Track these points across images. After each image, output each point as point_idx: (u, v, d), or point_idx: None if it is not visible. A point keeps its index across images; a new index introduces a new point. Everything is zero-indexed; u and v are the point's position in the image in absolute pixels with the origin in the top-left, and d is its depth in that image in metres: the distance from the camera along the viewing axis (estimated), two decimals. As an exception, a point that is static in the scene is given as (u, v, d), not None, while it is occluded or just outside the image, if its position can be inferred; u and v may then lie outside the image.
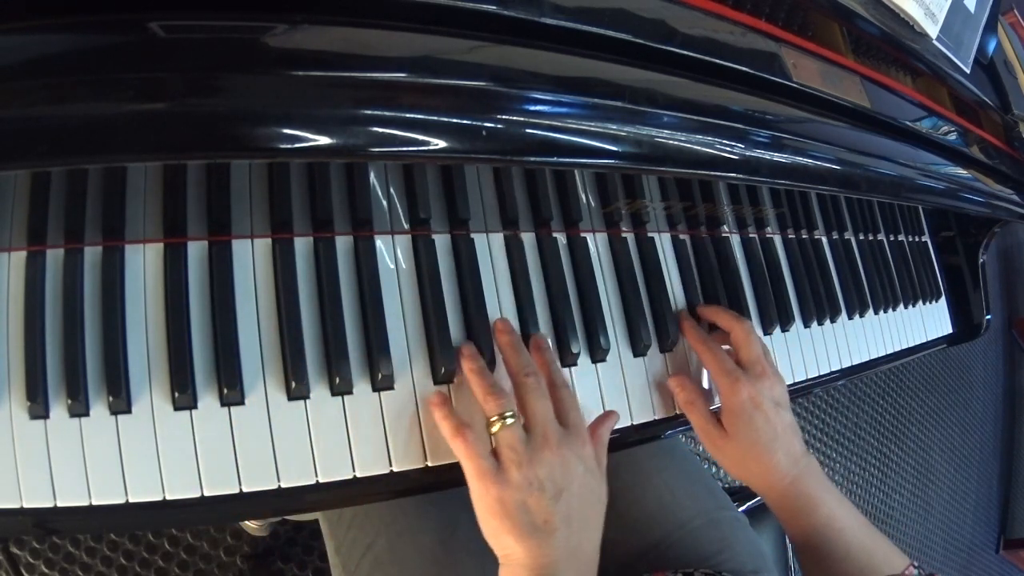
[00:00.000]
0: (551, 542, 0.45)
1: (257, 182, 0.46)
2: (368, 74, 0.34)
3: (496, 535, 0.45)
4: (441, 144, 0.36)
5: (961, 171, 0.71)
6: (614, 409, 0.55)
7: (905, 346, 0.89)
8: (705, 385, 0.62)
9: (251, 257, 0.45)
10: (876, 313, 0.85)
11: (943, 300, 1.02)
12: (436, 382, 0.49)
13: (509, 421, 0.46)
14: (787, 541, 0.90)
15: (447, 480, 0.48)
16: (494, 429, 0.46)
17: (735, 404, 0.56)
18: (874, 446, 2.20)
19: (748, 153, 0.49)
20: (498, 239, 0.54)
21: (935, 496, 2.44)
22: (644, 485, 0.68)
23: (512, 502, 0.44)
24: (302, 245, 0.47)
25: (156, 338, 0.42)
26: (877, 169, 0.59)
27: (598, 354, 0.56)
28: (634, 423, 0.57)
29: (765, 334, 0.69)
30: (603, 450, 0.51)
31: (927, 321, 0.96)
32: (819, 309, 0.76)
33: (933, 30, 0.67)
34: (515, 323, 0.53)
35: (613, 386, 0.57)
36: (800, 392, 0.72)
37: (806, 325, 0.74)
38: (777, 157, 0.51)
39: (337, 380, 0.45)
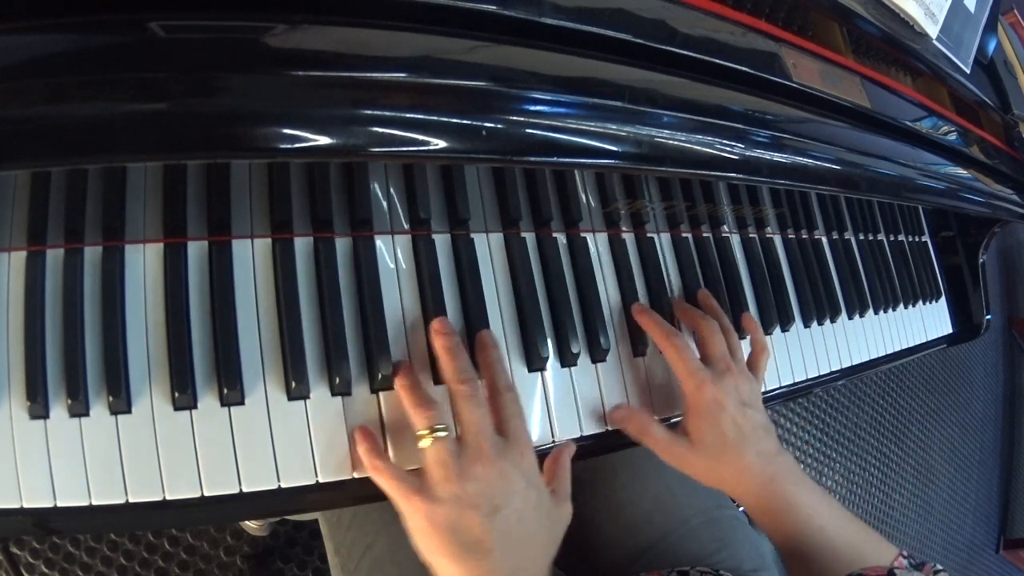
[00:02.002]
0: (488, 563, 0.42)
1: (257, 182, 0.46)
2: (368, 74, 0.34)
3: (431, 555, 0.43)
4: (441, 144, 0.36)
5: (961, 171, 0.71)
6: (570, 442, 0.53)
7: (905, 346, 0.89)
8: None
9: (251, 257, 0.45)
10: (876, 313, 0.85)
11: (943, 300, 1.02)
12: (436, 382, 0.49)
13: (440, 435, 0.43)
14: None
15: (447, 480, 0.48)
16: (421, 444, 0.43)
17: (699, 405, 0.54)
18: (874, 446, 2.20)
19: (748, 153, 0.49)
20: (498, 239, 0.54)
21: (935, 496, 2.44)
22: (642, 485, 0.68)
23: (443, 520, 0.42)
24: (302, 245, 0.47)
25: (156, 338, 0.42)
26: (877, 169, 0.59)
27: (598, 354, 0.56)
28: (634, 423, 0.57)
29: (765, 334, 0.69)
30: (565, 474, 0.49)
31: (927, 321, 0.96)
32: (819, 309, 0.76)
33: (933, 30, 0.67)
34: (515, 323, 0.53)
35: (613, 386, 0.57)
36: (800, 392, 0.72)
37: (806, 325, 0.74)
38: (777, 157, 0.51)
39: (337, 380, 0.45)
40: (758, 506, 0.55)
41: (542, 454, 0.50)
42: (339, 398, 0.46)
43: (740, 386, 0.56)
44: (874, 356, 0.82)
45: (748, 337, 0.64)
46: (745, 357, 0.61)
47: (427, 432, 0.43)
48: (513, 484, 0.44)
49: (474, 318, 0.51)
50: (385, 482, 0.44)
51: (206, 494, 0.41)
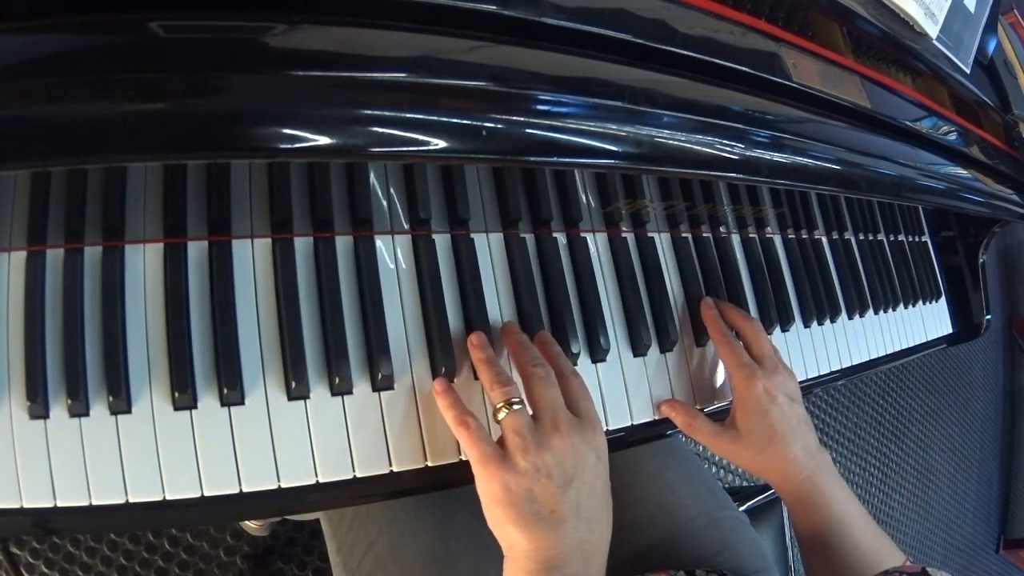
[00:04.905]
0: (558, 533, 0.43)
1: (257, 182, 0.46)
2: (368, 74, 0.34)
3: (500, 525, 0.44)
4: (441, 144, 0.36)
5: (961, 171, 0.71)
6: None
7: (905, 346, 0.89)
8: (719, 382, 0.63)
9: (251, 257, 0.45)
10: (876, 313, 0.85)
11: (943, 300, 1.02)
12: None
13: (516, 407, 0.45)
14: (787, 541, 0.90)
15: (447, 480, 0.48)
16: (500, 416, 0.45)
17: (751, 397, 0.56)
18: (874, 446, 2.20)
19: (748, 153, 0.49)
20: (498, 239, 0.54)
21: (935, 496, 2.44)
22: (645, 485, 0.68)
23: (518, 489, 0.42)
24: (302, 245, 0.47)
25: (156, 338, 0.42)
26: (877, 169, 0.59)
27: (598, 354, 0.56)
28: (634, 423, 0.57)
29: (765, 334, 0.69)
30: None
31: (927, 321, 0.96)
32: (819, 309, 0.76)
33: (933, 30, 0.67)
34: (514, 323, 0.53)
35: (613, 386, 0.57)
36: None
37: (806, 325, 0.74)
38: (777, 157, 0.51)
39: (337, 380, 0.45)
40: (796, 498, 0.56)
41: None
42: (339, 398, 0.46)
43: (787, 382, 0.58)
44: (874, 356, 0.82)
45: None
46: None
47: (504, 404, 0.45)
48: (586, 458, 0.45)
49: (474, 318, 0.51)
50: (467, 439, 0.44)
51: (206, 494, 0.41)
